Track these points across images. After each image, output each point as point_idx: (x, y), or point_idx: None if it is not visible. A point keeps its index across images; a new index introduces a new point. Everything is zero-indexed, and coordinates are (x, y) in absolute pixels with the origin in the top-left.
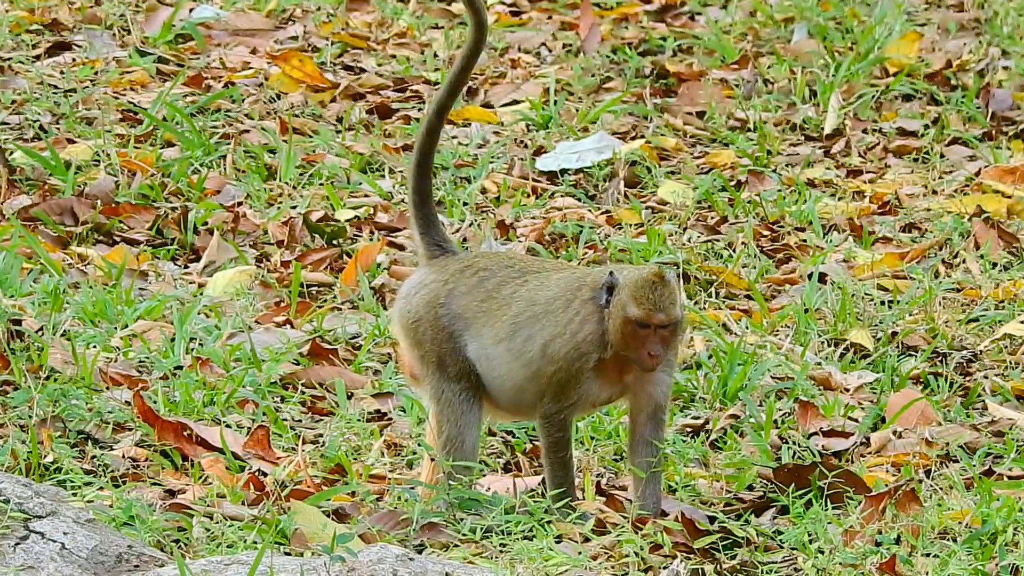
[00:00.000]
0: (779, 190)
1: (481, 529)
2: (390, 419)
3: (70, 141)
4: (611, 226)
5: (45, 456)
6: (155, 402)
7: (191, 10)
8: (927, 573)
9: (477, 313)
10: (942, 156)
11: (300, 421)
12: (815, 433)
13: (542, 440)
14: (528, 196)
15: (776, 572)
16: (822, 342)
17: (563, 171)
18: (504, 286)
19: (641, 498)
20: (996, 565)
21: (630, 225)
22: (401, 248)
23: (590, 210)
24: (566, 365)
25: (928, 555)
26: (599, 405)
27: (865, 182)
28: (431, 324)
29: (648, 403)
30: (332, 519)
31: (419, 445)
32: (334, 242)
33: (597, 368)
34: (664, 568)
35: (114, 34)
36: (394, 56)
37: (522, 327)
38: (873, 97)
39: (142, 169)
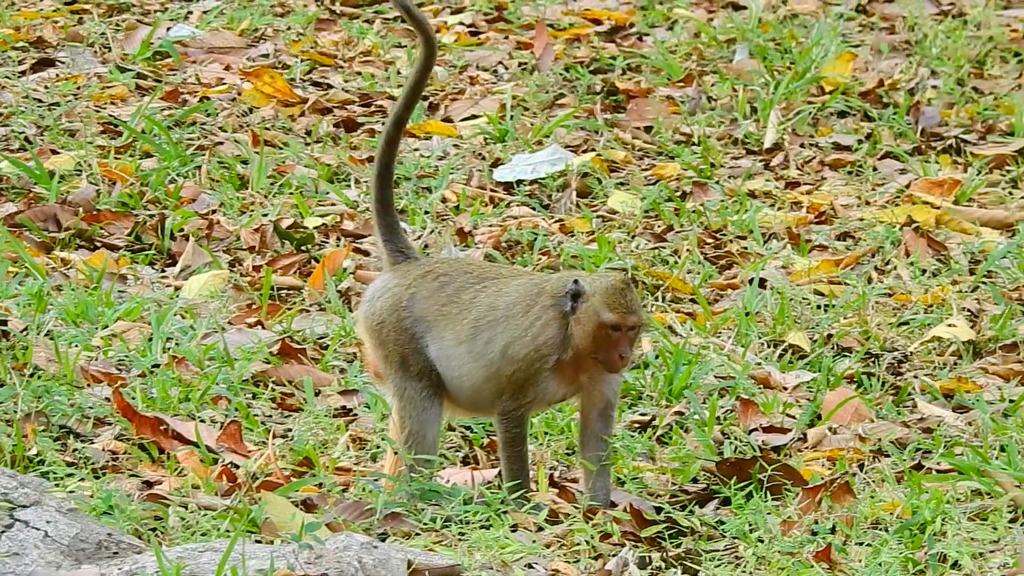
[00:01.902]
0: (722, 200)
1: (441, 519)
2: (355, 415)
3: (54, 152)
4: (564, 234)
5: (29, 449)
6: (133, 398)
7: (168, 29)
8: (860, 561)
9: (438, 316)
10: (875, 169)
11: (270, 417)
12: (755, 429)
13: (499, 435)
14: (486, 205)
15: (719, 560)
16: (762, 343)
17: (519, 182)
18: (464, 291)
19: (592, 490)
20: (925, 554)
21: (582, 233)
22: (366, 254)
23: (544, 219)
24: (525, 366)
25: (861, 544)
26: (554, 403)
27: (802, 193)
28: (394, 326)
29: (600, 400)
30: (300, 509)
31: (383, 439)
32: (303, 248)
33: (555, 369)
34: (613, 556)
35: (96, 51)
36: (360, 73)
37: (483, 330)
38: (810, 114)
39: (122, 178)
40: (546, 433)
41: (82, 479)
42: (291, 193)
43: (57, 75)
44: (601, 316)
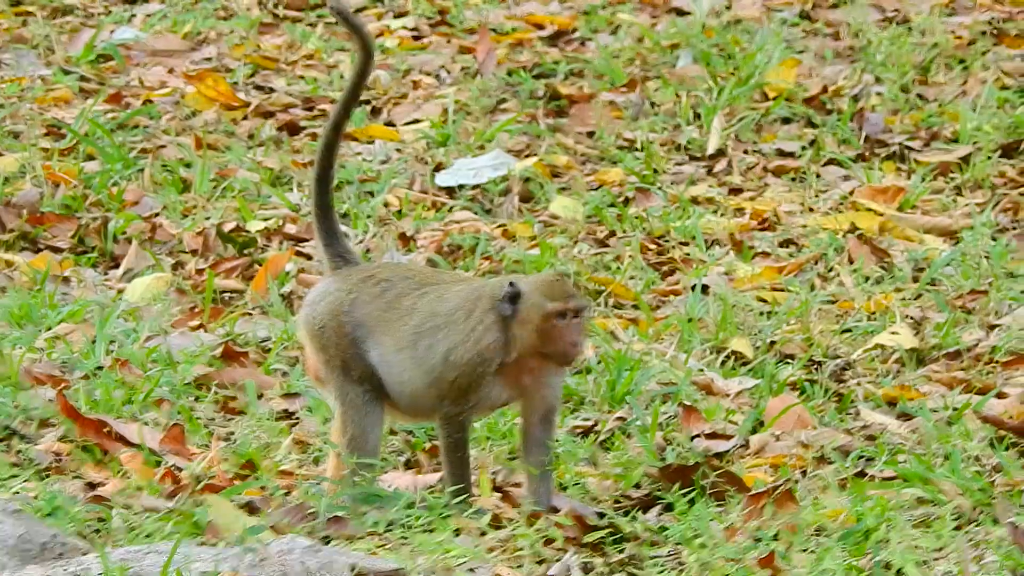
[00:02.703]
0: (664, 206)
1: (384, 523)
2: (298, 418)
3: None
4: (506, 239)
5: None
6: (77, 400)
7: (112, 32)
8: (804, 568)
9: (379, 322)
10: (818, 176)
11: (213, 419)
12: (698, 435)
13: (441, 440)
14: (428, 210)
15: (662, 566)
16: (704, 350)
17: (461, 186)
18: (404, 297)
19: (534, 494)
20: (869, 560)
21: (524, 238)
22: (308, 257)
23: (486, 223)
24: (468, 371)
25: (805, 551)
26: (496, 407)
27: (746, 200)
28: (335, 331)
29: (541, 405)
30: (244, 512)
31: (325, 443)
32: (245, 251)
33: (497, 373)
34: (556, 561)
35: (39, 53)
36: (302, 77)
37: (424, 336)
38: (753, 120)
39: (65, 181)
40: (488, 438)
41: (26, 480)
42: (234, 197)
43: (1, 77)
44: (545, 308)
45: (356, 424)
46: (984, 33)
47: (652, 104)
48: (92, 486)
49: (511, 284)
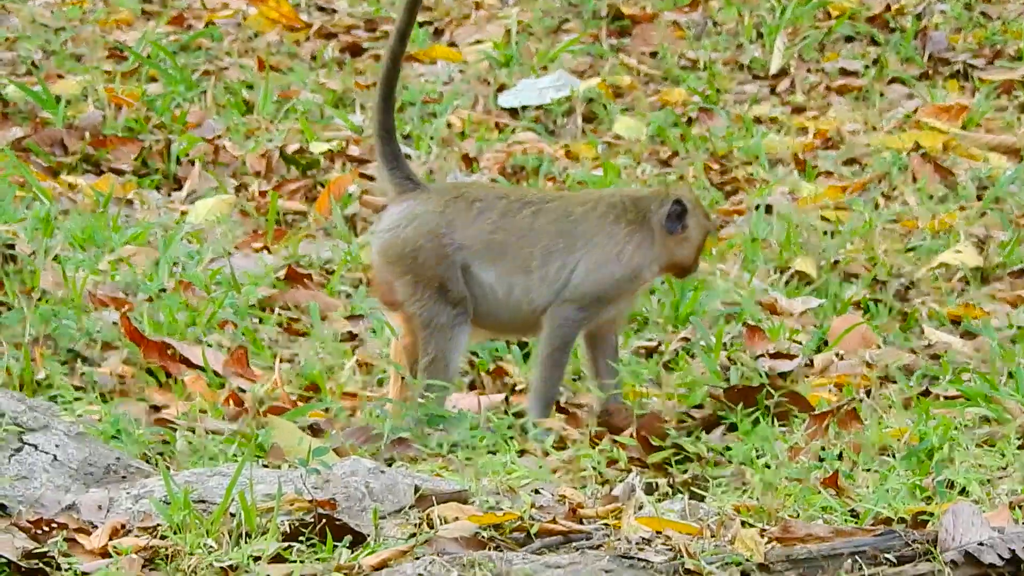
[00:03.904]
0: (727, 126)
1: (448, 444)
2: (361, 340)
3: (60, 77)
4: (569, 159)
5: (37, 373)
6: (141, 322)
7: None
8: (868, 487)
9: (488, 244)
10: (881, 95)
11: (277, 341)
12: (762, 355)
13: (548, 341)
14: (491, 131)
15: (725, 486)
16: (768, 270)
17: (524, 107)
18: (511, 217)
19: (606, 402)
20: (933, 480)
21: (587, 158)
22: (371, 179)
23: (549, 144)
24: (616, 287)
25: (868, 470)
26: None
27: (809, 119)
28: (434, 252)
29: (622, 319)
30: (307, 434)
31: (389, 364)
32: (308, 173)
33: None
34: (620, 482)
35: None
36: None
37: (554, 257)
38: (816, 38)
39: (128, 104)
40: None
41: (90, 403)
42: (296, 118)
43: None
44: (707, 226)
45: (440, 346)
46: None
47: (715, 23)
48: (156, 409)
49: (678, 202)
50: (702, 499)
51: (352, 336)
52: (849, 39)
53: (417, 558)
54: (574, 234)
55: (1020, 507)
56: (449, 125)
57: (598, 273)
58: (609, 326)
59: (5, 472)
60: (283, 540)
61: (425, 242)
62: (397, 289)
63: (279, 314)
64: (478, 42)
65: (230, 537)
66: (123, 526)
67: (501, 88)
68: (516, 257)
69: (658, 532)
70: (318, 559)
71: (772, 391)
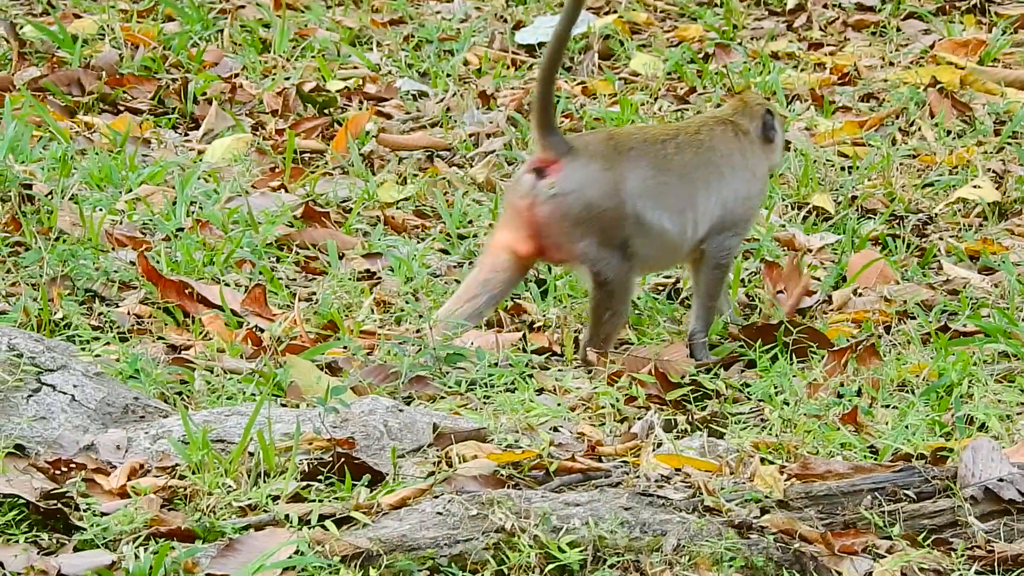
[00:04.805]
0: (744, 62)
1: (466, 382)
2: (379, 278)
3: (77, 16)
4: (586, 96)
5: (55, 313)
6: (158, 262)
7: None
8: (887, 423)
9: (655, 190)
10: (898, 30)
11: (295, 280)
12: (780, 291)
13: (711, 270)
14: (508, 68)
15: (744, 423)
16: (786, 205)
17: (541, 44)
18: (662, 157)
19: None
20: (952, 416)
21: (604, 95)
22: (388, 117)
23: (566, 81)
24: (757, 203)
25: (888, 406)
26: None
27: (826, 54)
28: (616, 211)
29: None
30: (325, 373)
31: (406, 303)
32: (325, 111)
33: None
34: (639, 419)
35: None
36: None
37: (711, 189)
38: None
39: (144, 42)
40: (570, 295)
41: (108, 343)
42: (313, 56)
43: None
44: (785, 132)
45: (621, 299)
46: None
47: None
48: (174, 348)
49: (768, 112)
50: (721, 436)
51: (370, 274)
52: None
53: (436, 497)
54: (717, 162)
55: None
56: (466, 62)
57: (745, 195)
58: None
59: (23, 413)
60: (301, 479)
61: (607, 202)
62: (579, 250)
63: (296, 253)
64: None
65: (248, 477)
66: (141, 466)
67: (518, 25)
68: (679, 195)
69: (677, 469)
70: (337, 498)
71: (790, 327)
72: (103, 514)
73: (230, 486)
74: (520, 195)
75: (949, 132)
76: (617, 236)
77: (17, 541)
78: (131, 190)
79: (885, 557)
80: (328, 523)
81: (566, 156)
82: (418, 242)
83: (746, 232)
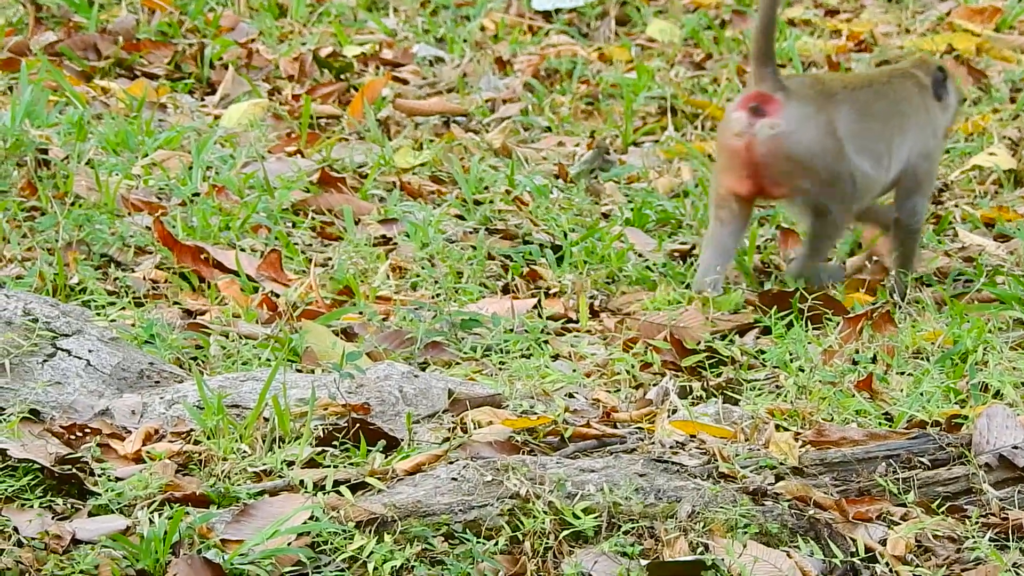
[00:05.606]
0: None
1: (481, 348)
2: (395, 244)
3: None
4: (603, 62)
5: (71, 278)
6: (174, 227)
7: None
8: (902, 391)
9: (861, 134)
10: None
11: (310, 245)
12: (795, 258)
13: (903, 233)
14: (524, 34)
15: (759, 389)
16: None
17: (557, 10)
18: (864, 103)
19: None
20: (967, 383)
21: (621, 61)
22: (405, 82)
23: (583, 47)
24: (937, 163)
25: (903, 373)
26: None
27: (842, 21)
28: (835, 152)
29: None
30: (341, 338)
31: (422, 269)
32: (342, 76)
33: None
34: (654, 385)
35: None
36: None
37: (907, 136)
38: None
39: (161, 8)
40: (586, 262)
41: (123, 308)
42: (330, 22)
43: None
44: (959, 91)
45: (841, 227)
46: None
47: None
48: (189, 313)
49: (940, 69)
50: (736, 403)
51: (386, 240)
52: None
53: (451, 462)
54: (908, 112)
55: None
56: (482, 28)
57: (926, 151)
58: None
59: (38, 377)
60: (317, 445)
61: (829, 144)
62: (802, 186)
63: (312, 218)
64: None
65: (263, 442)
66: (156, 431)
67: None
68: (879, 142)
69: (692, 436)
70: (352, 464)
71: (806, 294)
72: (118, 479)
73: (245, 451)
74: (735, 134)
75: (965, 99)
76: (839, 173)
77: (32, 506)
78: (147, 155)
79: (899, 524)
80: (343, 488)
81: (782, 94)
82: (434, 208)
83: (930, 191)
